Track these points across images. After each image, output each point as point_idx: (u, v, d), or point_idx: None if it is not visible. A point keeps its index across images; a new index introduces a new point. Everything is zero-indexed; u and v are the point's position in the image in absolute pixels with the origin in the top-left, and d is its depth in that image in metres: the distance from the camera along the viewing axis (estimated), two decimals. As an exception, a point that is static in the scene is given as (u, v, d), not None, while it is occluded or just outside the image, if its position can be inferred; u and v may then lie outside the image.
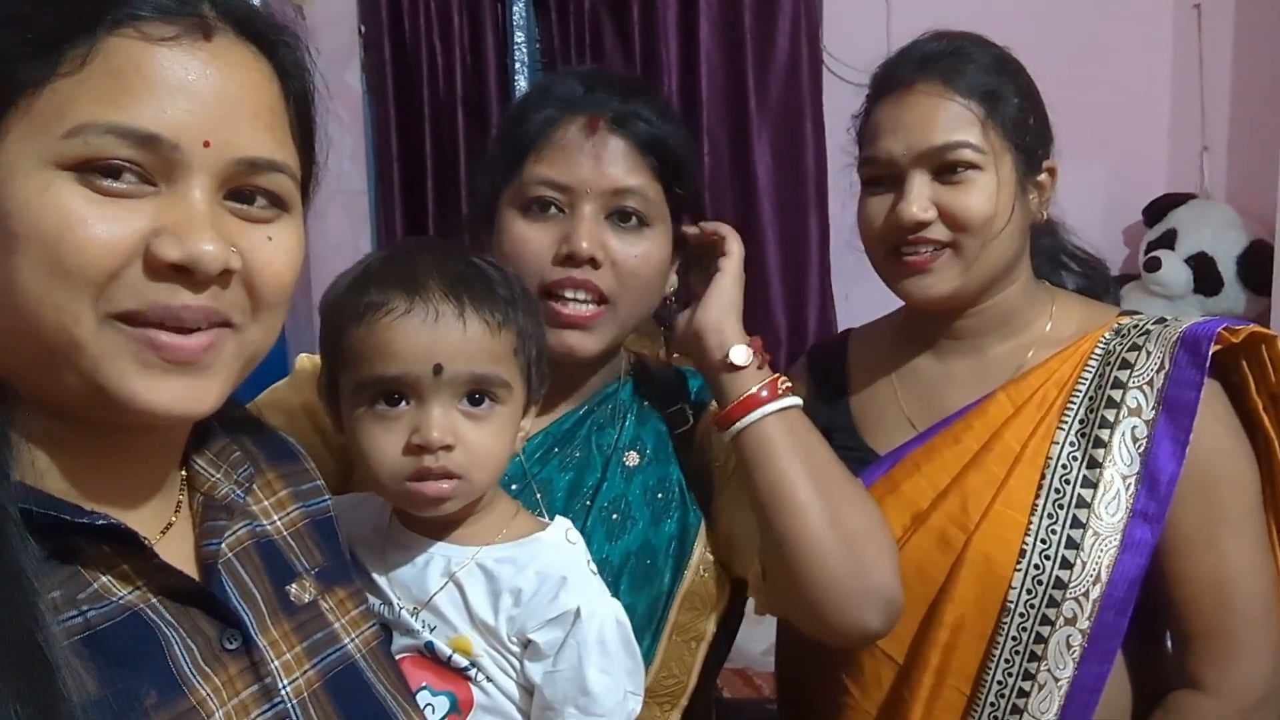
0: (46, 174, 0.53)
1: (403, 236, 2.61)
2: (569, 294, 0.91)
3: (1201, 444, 0.98)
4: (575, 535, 0.85)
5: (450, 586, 0.80)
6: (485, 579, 0.80)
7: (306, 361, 1.01)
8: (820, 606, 0.88)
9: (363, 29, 2.67)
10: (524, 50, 2.64)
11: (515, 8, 2.62)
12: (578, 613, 0.78)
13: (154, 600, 0.58)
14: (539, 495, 0.94)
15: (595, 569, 0.84)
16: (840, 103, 2.82)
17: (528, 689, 0.80)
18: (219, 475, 0.68)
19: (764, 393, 0.91)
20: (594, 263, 0.91)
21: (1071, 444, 1.01)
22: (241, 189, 0.58)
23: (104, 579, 0.57)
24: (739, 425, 0.91)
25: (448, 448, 0.76)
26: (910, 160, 1.01)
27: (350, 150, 2.75)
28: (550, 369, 0.92)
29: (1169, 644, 1.06)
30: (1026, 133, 1.04)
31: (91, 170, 0.53)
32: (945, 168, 1.01)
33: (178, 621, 0.59)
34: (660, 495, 0.97)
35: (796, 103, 2.68)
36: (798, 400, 0.93)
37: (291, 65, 0.62)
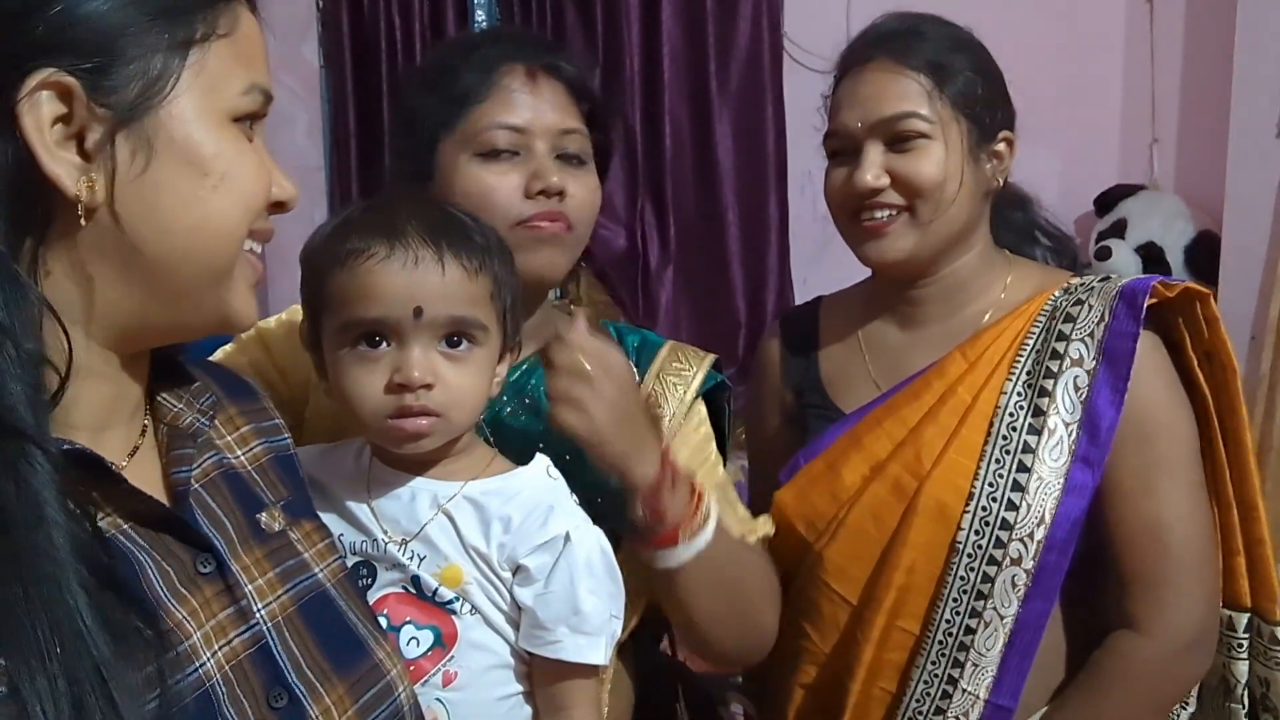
0: (228, 126, 0.62)
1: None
2: (544, 224, 0.96)
3: (1140, 394, 1.03)
4: (555, 472, 0.88)
5: (440, 517, 0.82)
6: (474, 509, 0.83)
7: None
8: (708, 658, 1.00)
9: (321, 3, 2.63)
10: (484, 26, 2.62)
11: (476, -16, 2.60)
12: (567, 537, 0.82)
13: (125, 526, 0.60)
14: (490, 440, 0.96)
15: (577, 500, 0.87)
16: (800, 89, 2.84)
17: (512, 618, 0.82)
18: (181, 405, 0.70)
19: (678, 532, 0.90)
20: (561, 195, 0.96)
21: (1019, 394, 1.06)
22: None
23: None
24: (654, 559, 0.91)
25: (428, 386, 0.79)
26: (865, 131, 1.08)
27: (306, 125, 2.71)
28: None
29: (1106, 590, 1.10)
30: (977, 103, 1.09)
31: (243, 122, 0.64)
32: (896, 137, 1.07)
33: (151, 546, 0.60)
34: None
35: (757, 87, 2.70)
36: (709, 530, 0.92)
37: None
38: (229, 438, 0.74)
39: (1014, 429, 1.05)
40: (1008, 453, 1.04)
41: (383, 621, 0.79)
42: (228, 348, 1.04)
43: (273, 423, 0.80)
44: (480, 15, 2.62)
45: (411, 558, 0.82)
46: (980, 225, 1.13)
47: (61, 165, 0.56)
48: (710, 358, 1.09)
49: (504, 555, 0.81)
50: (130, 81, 0.58)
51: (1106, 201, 3.05)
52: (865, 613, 1.09)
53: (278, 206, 0.66)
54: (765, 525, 1.08)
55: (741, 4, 2.65)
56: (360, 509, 0.84)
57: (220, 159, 0.61)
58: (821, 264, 2.93)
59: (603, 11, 2.57)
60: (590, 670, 0.82)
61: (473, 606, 0.82)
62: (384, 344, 0.79)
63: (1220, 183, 2.69)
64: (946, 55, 1.09)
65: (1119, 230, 2.96)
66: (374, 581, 0.83)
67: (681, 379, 1.06)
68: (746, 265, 2.75)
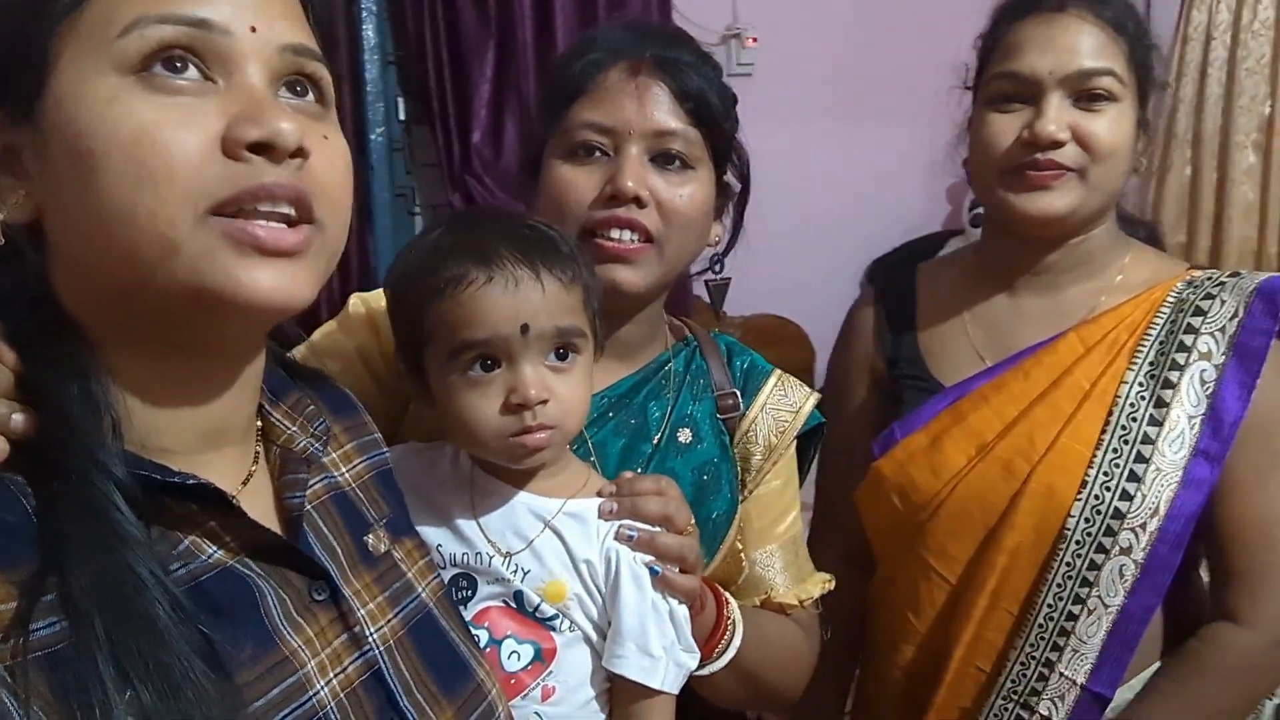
0: (110, 82, 0.52)
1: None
2: (614, 232, 0.91)
3: (1264, 392, 1.03)
4: None
5: (548, 532, 0.83)
6: (578, 523, 0.84)
7: (359, 304, 0.98)
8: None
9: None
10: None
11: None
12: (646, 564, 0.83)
13: (243, 556, 0.59)
14: (594, 458, 0.95)
15: None
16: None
17: (604, 633, 0.84)
18: (295, 428, 0.68)
19: (710, 650, 0.92)
20: (639, 201, 0.91)
21: (1140, 384, 1.05)
22: (293, 80, 0.58)
23: (192, 537, 0.57)
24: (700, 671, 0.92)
25: (544, 402, 0.80)
26: (1054, 81, 1.03)
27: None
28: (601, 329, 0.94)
29: (1204, 579, 1.12)
30: (1148, 78, 1.07)
31: (152, 68, 0.53)
32: (1085, 94, 1.03)
33: (267, 575, 0.60)
34: (705, 477, 0.99)
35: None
36: (737, 641, 0.93)
37: None
38: (334, 455, 0.73)
39: (1134, 419, 1.04)
40: (1126, 442, 1.04)
41: (484, 635, 0.80)
42: (332, 329, 0.97)
43: (372, 437, 0.79)
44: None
45: (516, 572, 0.82)
46: (1114, 201, 1.11)
47: None
48: (814, 396, 1.06)
49: (603, 565, 0.83)
50: (13, 77, 0.53)
51: (978, 170, 3.20)
52: (966, 592, 1.09)
53: (260, 148, 0.54)
54: (818, 585, 1.06)
55: (632, -27, 2.67)
56: (466, 521, 0.84)
57: (87, 134, 0.51)
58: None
59: (493, -19, 2.55)
60: (655, 694, 0.82)
61: (571, 622, 0.83)
62: (495, 366, 0.80)
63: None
64: (1132, 20, 1.06)
65: (991, 198, 3.11)
66: (474, 594, 0.83)
67: (786, 413, 1.03)
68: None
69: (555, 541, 0.83)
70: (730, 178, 1.01)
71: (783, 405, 1.03)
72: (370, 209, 2.47)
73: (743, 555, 1.02)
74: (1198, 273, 1.12)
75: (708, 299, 1.11)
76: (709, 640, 0.91)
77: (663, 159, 0.93)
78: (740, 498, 1.02)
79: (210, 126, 0.53)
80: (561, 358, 0.82)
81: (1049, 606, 1.05)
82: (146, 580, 0.50)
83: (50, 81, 0.53)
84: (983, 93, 1.09)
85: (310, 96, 0.59)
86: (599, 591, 0.83)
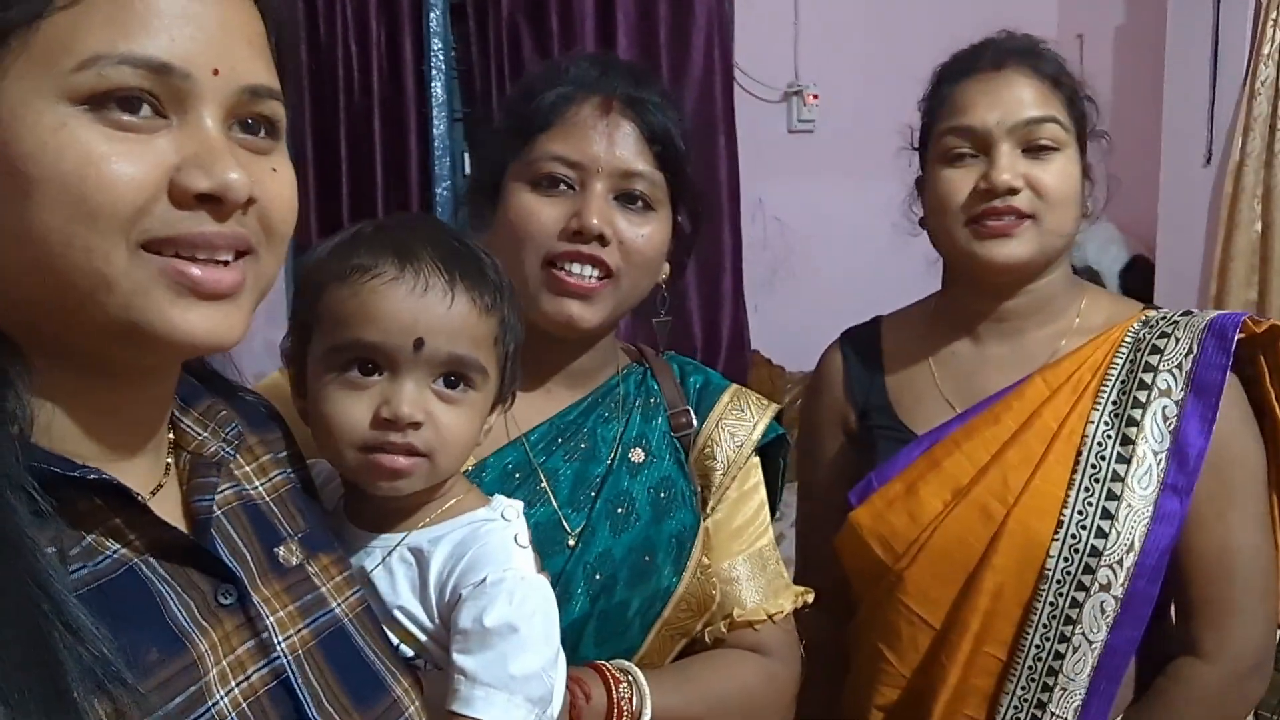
0: (59, 111, 0.51)
1: (318, 240, 2.58)
2: (574, 267, 0.92)
3: (1219, 426, 1.05)
4: (513, 513, 0.79)
5: (381, 571, 0.77)
6: (410, 563, 0.77)
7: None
8: None
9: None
10: (440, 57, 2.66)
11: (432, 14, 2.63)
12: (493, 581, 0.74)
13: (146, 556, 0.57)
14: (545, 483, 0.95)
15: (526, 544, 0.79)
16: (751, 118, 2.92)
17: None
18: (206, 434, 0.67)
19: None
20: (602, 239, 0.92)
21: (1106, 423, 1.08)
22: (246, 118, 0.57)
23: (95, 534, 0.56)
24: None
25: (417, 425, 0.73)
26: (1003, 132, 1.07)
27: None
28: (551, 356, 0.95)
29: (1172, 614, 1.12)
30: (1086, 127, 1.12)
31: (106, 104, 0.51)
32: (1032, 143, 1.07)
33: (171, 577, 0.58)
34: (663, 495, 0.98)
35: (710, 117, 2.76)
36: (647, 711, 0.91)
37: None
38: (248, 468, 0.71)
39: (1103, 458, 1.07)
40: (1097, 481, 1.06)
41: None
42: (278, 376, 0.93)
43: (292, 451, 0.76)
44: (436, 44, 2.66)
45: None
46: (1070, 247, 1.15)
47: None
48: (773, 408, 1.06)
49: (441, 602, 0.75)
50: None
51: (1044, 227, 3.16)
52: (950, 636, 1.09)
53: (206, 200, 0.53)
54: (791, 599, 1.03)
55: (694, 36, 2.72)
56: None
57: (27, 159, 0.50)
58: (773, 290, 3.00)
59: (559, 42, 2.62)
60: None
61: (435, 664, 0.75)
62: (376, 373, 0.74)
63: (1152, 209, 2.81)
64: (1066, 74, 1.11)
65: (1057, 254, 3.06)
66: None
67: (742, 427, 1.03)
68: (702, 292, 2.80)
69: (387, 583, 0.76)
70: (683, 218, 1.01)
71: (739, 420, 1.03)
72: (436, 260, 2.54)
73: (713, 573, 1.00)
74: (1152, 312, 1.15)
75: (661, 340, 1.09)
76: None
77: (626, 198, 0.94)
78: (703, 515, 1.01)
79: (159, 163, 0.53)
80: (451, 385, 0.75)
81: (1036, 647, 1.06)
82: (38, 597, 0.48)
83: None
84: (933, 150, 1.12)
85: (261, 133, 0.59)
86: (432, 630, 0.75)
